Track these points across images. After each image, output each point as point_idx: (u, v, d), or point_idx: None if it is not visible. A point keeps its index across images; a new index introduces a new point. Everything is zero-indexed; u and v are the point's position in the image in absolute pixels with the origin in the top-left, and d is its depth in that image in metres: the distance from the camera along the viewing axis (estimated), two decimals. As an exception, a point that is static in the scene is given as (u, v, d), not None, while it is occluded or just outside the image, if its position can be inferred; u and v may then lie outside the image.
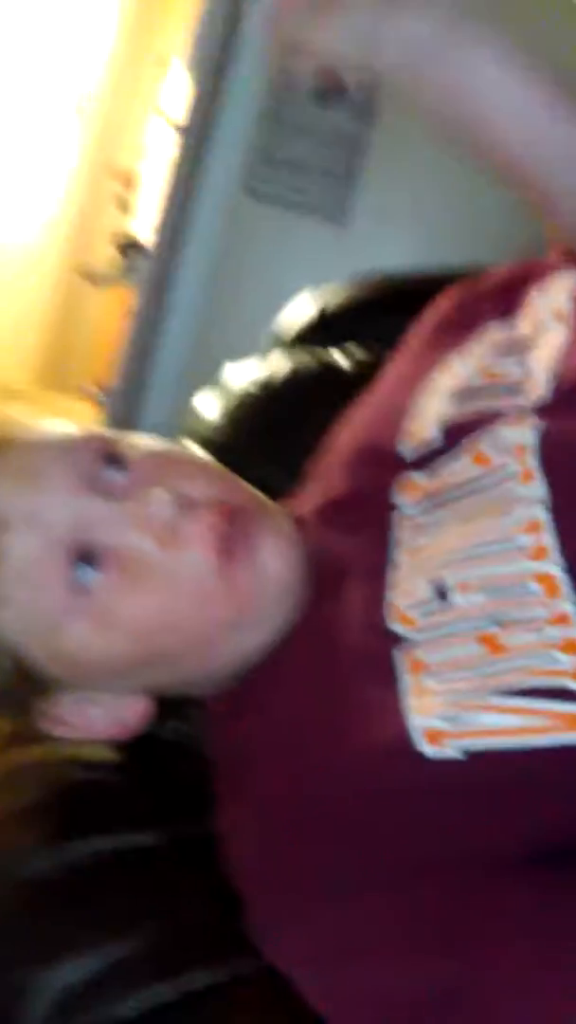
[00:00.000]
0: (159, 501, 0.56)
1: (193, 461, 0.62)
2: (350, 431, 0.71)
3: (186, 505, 0.56)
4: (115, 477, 0.58)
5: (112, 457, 0.58)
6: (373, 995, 0.48)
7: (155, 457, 0.60)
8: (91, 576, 0.56)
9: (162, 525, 0.56)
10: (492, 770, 0.48)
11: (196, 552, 0.56)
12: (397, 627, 0.55)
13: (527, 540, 0.54)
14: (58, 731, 0.63)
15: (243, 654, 0.61)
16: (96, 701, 0.62)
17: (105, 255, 3.68)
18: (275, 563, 0.58)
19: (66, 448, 0.58)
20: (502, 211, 2.13)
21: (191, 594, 0.57)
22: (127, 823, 0.63)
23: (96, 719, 0.62)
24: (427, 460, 0.62)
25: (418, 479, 0.62)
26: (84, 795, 0.64)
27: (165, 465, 0.59)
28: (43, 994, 0.55)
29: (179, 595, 0.56)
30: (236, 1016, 0.52)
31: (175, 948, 0.56)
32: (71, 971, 0.55)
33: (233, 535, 0.57)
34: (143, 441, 0.61)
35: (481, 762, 0.48)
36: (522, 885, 0.47)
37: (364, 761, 0.51)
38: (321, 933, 0.50)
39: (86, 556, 0.56)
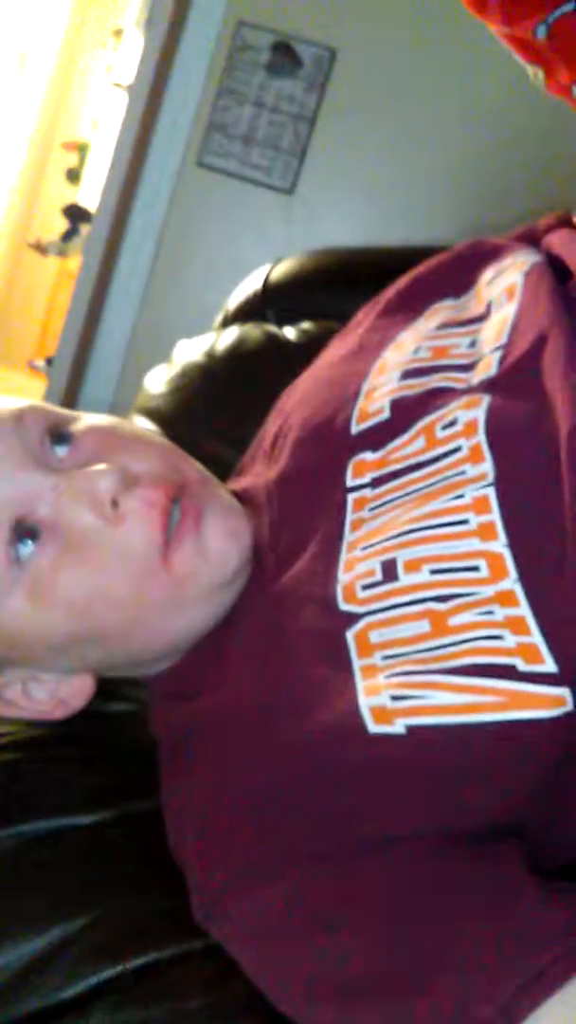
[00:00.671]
0: (101, 476, 0.55)
1: (138, 436, 0.61)
2: (302, 408, 0.70)
3: (129, 480, 0.55)
4: (60, 452, 0.57)
5: (57, 432, 0.58)
6: (307, 972, 0.48)
7: (100, 432, 0.59)
8: (30, 550, 0.55)
9: (104, 499, 0.55)
10: (434, 745, 0.48)
11: (137, 529, 0.55)
12: (347, 606, 0.55)
13: (476, 519, 0.54)
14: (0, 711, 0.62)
15: (186, 632, 0.60)
16: (38, 679, 0.61)
17: (53, 226, 3.61)
18: (219, 541, 0.57)
19: (10, 423, 0.57)
20: (447, 187, 2.13)
21: (131, 571, 0.56)
22: (71, 803, 0.63)
23: (37, 698, 0.62)
24: (378, 438, 0.62)
25: (368, 457, 0.61)
26: (22, 776, 0.64)
27: (110, 440, 0.58)
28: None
29: (119, 571, 0.56)
30: (179, 991, 0.52)
31: (119, 929, 0.55)
32: (12, 953, 0.55)
33: (177, 513, 0.56)
34: (90, 416, 0.61)
35: (424, 737, 0.48)
36: (459, 861, 0.47)
37: (314, 739, 0.51)
38: (258, 913, 0.50)
39: (27, 531, 0.55)
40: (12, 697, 0.62)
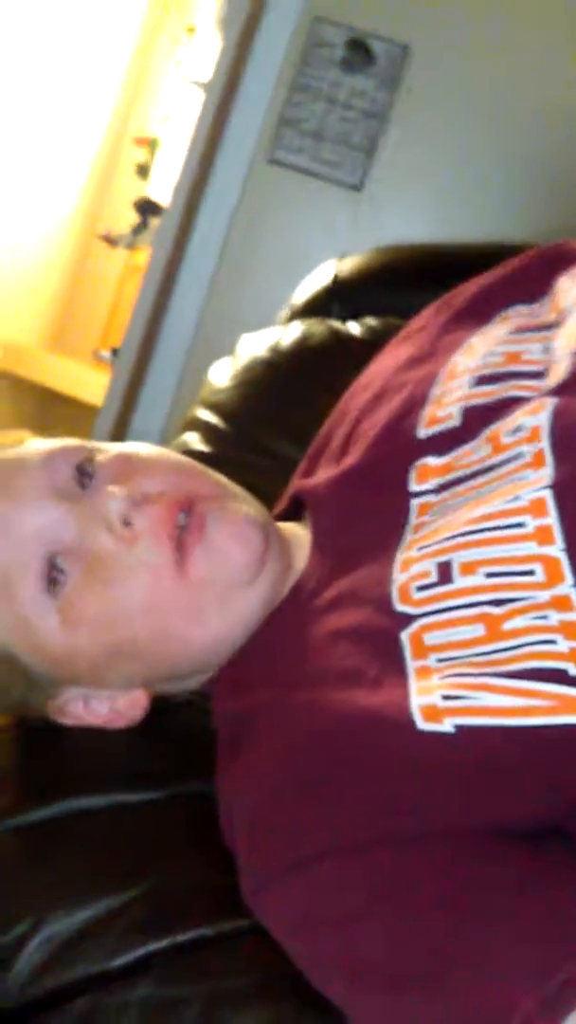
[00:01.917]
0: (112, 498, 0.58)
1: (155, 459, 0.63)
2: (371, 411, 0.70)
3: (140, 500, 0.58)
4: (83, 482, 0.61)
5: (83, 464, 0.61)
6: (349, 957, 0.49)
7: (120, 459, 0.62)
8: (59, 576, 0.59)
9: (116, 520, 0.58)
10: (484, 746, 0.49)
11: (149, 543, 0.58)
12: (403, 607, 0.55)
13: (533, 522, 0.54)
14: (63, 720, 0.65)
15: (216, 640, 0.62)
16: (95, 696, 0.64)
17: (122, 220, 3.65)
18: (236, 548, 0.59)
19: (39, 462, 0.61)
20: (518, 188, 2.11)
21: (148, 585, 0.58)
22: (125, 782, 0.64)
23: (98, 712, 0.65)
24: (445, 443, 0.62)
25: (433, 461, 0.62)
26: (80, 754, 0.65)
27: (127, 465, 0.61)
28: (35, 942, 0.56)
29: (137, 586, 0.58)
30: (225, 969, 0.53)
31: (167, 903, 0.57)
32: (64, 920, 0.56)
33: (187, 525, 0.58)
34: (117, 445, 0.64)
35: (472, 737, 0.49)
36: (507, 860, 0.47)
37: (364, 721, 0.52)
38: (305, 897, 0.51)
39: (54, 558, 0.59)
40: (75, 711, 0.65)
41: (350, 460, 0.68)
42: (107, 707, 0.65)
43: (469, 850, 0.48)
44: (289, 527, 0.70)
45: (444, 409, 0.63)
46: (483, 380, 0.63)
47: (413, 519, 0.60)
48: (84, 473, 0.61)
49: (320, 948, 0.50)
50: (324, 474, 0.70)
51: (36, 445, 0.64)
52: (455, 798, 0.49)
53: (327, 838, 0.51)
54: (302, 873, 0.51)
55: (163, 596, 0.58)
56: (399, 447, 0.64)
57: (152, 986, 0.53)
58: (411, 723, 0.50)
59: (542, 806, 0.49)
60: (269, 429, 0.96)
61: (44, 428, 3.74)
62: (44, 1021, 0.54)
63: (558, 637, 0.50)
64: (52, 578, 0.58)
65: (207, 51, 2.51)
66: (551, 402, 0.58)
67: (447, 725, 0.49)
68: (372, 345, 0.87)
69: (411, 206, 2.17)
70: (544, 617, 0.51)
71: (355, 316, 1.03)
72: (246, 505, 0.62)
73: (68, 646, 0.60)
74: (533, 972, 0.42)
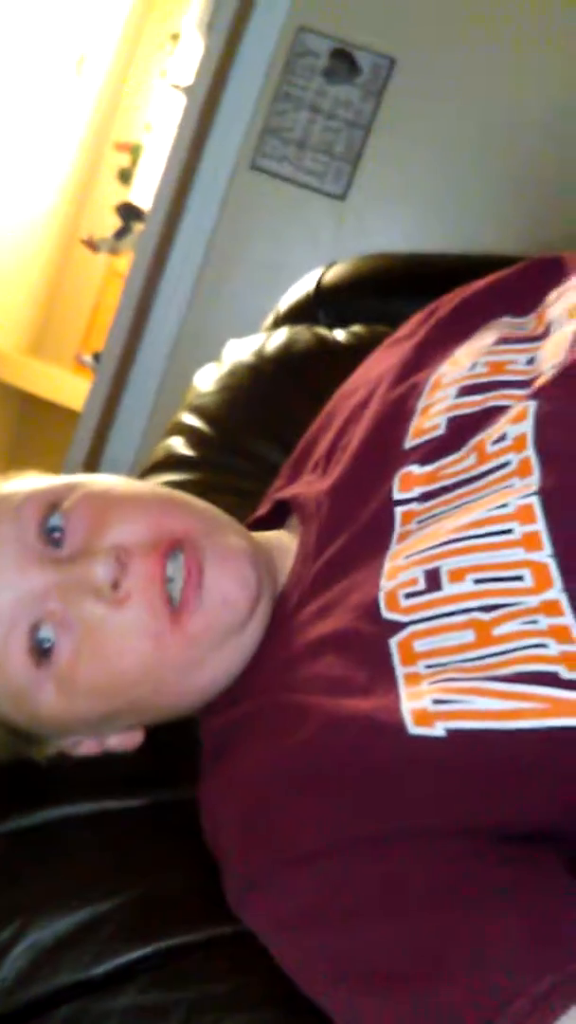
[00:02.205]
0: (97, 565, 0.56)
1: (127, 497, 0.61)
2: (358, 421, 0.70)
3: (124, 558, 0.56)
4: (53, 538, 0.59)
5: (50, 516, 0.59)
6: (337, 959, 0.48)
7: (90, 502, 0.59)
8: (47, 646, 0.57)
9: (104, 587, 0.56)
10: (474, 749, 0.49)
11: (141, 606, 0.57)
12: (391, 615, 0.55)
13: (520, 529, 0.54)
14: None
15: (214, 680, 0.61)
16: (90, 738, 0.64)
17: (104, 225, 3.65)
18: (236, 591, 0.58)
19: (9, 519, 0.59)
20: (500, 199, 2.13)
21: (143, 648, 0.57)
22: (108, 789, 0.64)
23: (89, 749, 0.65)
24: (429, 452, 0.62)
25: (417, 470, 0.62)
26: (65, 762, 0.65)
27: (99, 510, 0.59)
28: (18, 949, 0.55)
29: (132, 651, 0.57)
30: (207, 975, 0.53)
31: (150, 911, 0.56)
32: (45, 929, 0.56)
33: (184, 575, 0.57)
34: (83, 483, 0.61)
35: (463, 741, 0.49)
36: (497, 860, 0.47)
37: (353, 724, 0.52)
38: (294, 897, 0.51)
39: (38, 628, 0.57)
40: (85, 751, 0.65)
41: (337, 470, 0.67)
42: (101, 747, 0.65)
43: (461, 851, 0.48)
44: (272, 536, 0.70)
45: (430, 420, 0.63)
46: (468, 390, 0.63)
47: (398, 527, 0.60)
48: (52, 528, 0.59)
49: (307, 949, 0.50)
50: (310, 483, 0.70)
51: (1, 490, 0.62)
52: (447, 800, 0.49)
53: (317, 838, 0.51)
54: (291, 873, 0.51)
55: (160, 658, 0.58)
56: (384, 457, 0.64)
57: (135, 994, 0.53)
58: (402, 727, 0.50)
59: (535, 808, 0.49)
60: (253, 433, 0.96)
61: (24, 433, 3.73)
62: (25, 1030, 0.53)
63: (549, 641, 0.50)
64: (40, 650, 0.57)
65: (191, 57, 2.51)
66: (532, 407, 0.58)
67: (438, 729, 0.49)
68: (357, 352, 0.87)
69: (394, 216, 2.19)
70: (534, 622, 0.51)
71: (341, 323, 1.04)
72: (234, 536, 0.61)
73: (67, 712, 0.59)
74: (523, 974, 0.42)
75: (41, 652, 0.57)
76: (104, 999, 0.53)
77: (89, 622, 0.57)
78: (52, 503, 0.59)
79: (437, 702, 0.50)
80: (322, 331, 1.03)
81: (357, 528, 0.62)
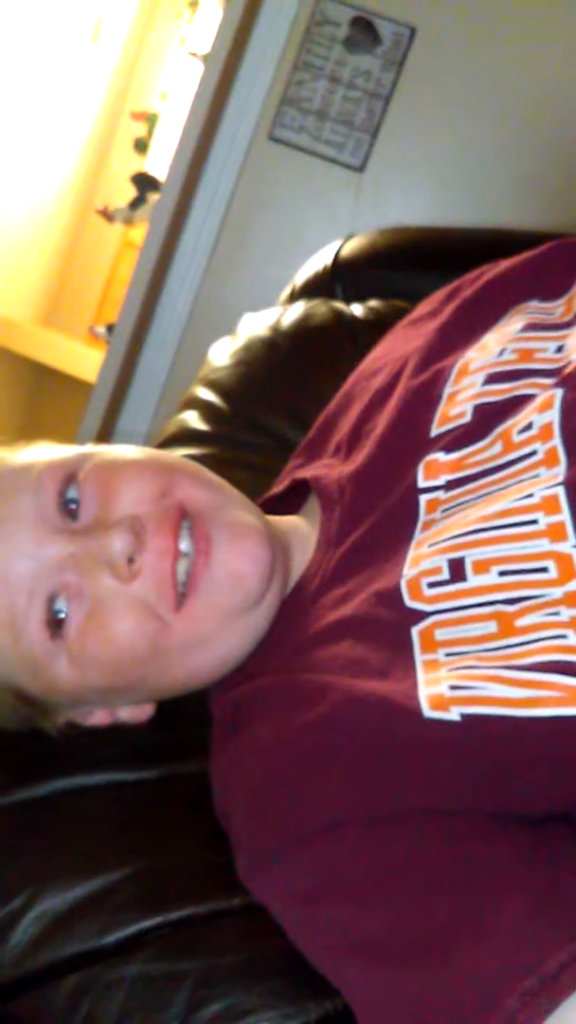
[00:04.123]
0: (115, 538, 0.56)
1: (142, 462, 0.61)
2: (383, 405, 0.69)
3: (139, 530, 0.57)
4: (70, 510, 0.59)
5: (67, 486, 0.59)
6: (348, 933, 0.49)
7: (100, 471, 0.60)
8: (61, 617, 0.58)
9: (121, 561, 0.56)
10: (488, 734, 0.49)
11: (147, 584, 0.57)
12: (414, 603, 0.55)
13: (545, 519, 0.54)
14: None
15: (225, 657, 0.61)
16: (101, 709, 0.65)
17: (119, 195, 3.62)
18: (240, 562, 0.58)
19: (30, 490, 0.59)
20: (520, 172, 2.10)
21: (148, 628, 0.57)
22: (118, 761, 0.64)
23: (99, 720, 0.65)
24: (455, 440, 0.62)
25: (443, 458, 0.61)
26: (80, 732, 0.65)
27: (109, 480, 0.59)
28: (29, 917, 0.56)
29: (136, 629, 0.57)
30: (215, 946, 0.53)
31: (160, 881, 0.57)
32: (56, 897, 0.56)
33: (192, 549, 0.57)
34: (94, 453, 0.61)
35: (479, 726, 0.49)
36: (509, 841, 0.48)
37: (369, 702, 0.52)
38: (303, 872, 0.51)
39: (54, 599, 0.58)
40: (96, 721, 0.66)
41: (361, 456, 0.67)
42: (111, 718, 0.65)
43: (471, 831, 0.48)
44: (290, 521, 0.69)
45: (456, 407, 0.63)
46: (495, 378, 0.63)
47: (422, 515, 0.60)
48: (69, 500, 0.59)
49: (319, 922, 0.50)
50: (331, 466, 0.70)
51: (13, 460, 0.62)
52: (461, 782, 0.49)
53: (328, 814, 0.51)
54: (302, 848, 0.51)
55: (165, 637, 0.58)
56: (410, 444, 0.64)
57: (144, 963, 0.53)
58: (418, 710, 0.50)
59: (548, 794, 0.49)
60: (267, 408, 0.96)
61: (37, 404, 3.73)
62: (37, 996, 0.54)
63: (569, 632, 0.50)
64: (55, 621, 0.58)
65: (209, 25, 2.48)
66: (559, 396, 0.57)
67: (454, 714, 0.49)
68: (375, 327, 0.87)
69: (413, 189, 2.17)
70: (556, 613, 0.51)
71: (358, 297, 1.03)
72: (246, 512, 0.61)
73: (79, 683, 0.60)
74: (533, 952, 0.43)
75: (56, 623, 0.58)
76: (114, 967, 0.53)
77: (99, 595, 0.57)
78: (69, 475, 0.59)
79: (454, 688, 0.50)
80: (339, 305, 1.02)
81: (381, 515, 0.62)
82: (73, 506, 0.59)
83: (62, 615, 0.58)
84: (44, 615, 0.58)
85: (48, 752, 0.65)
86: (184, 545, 0.58)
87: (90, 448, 0.63)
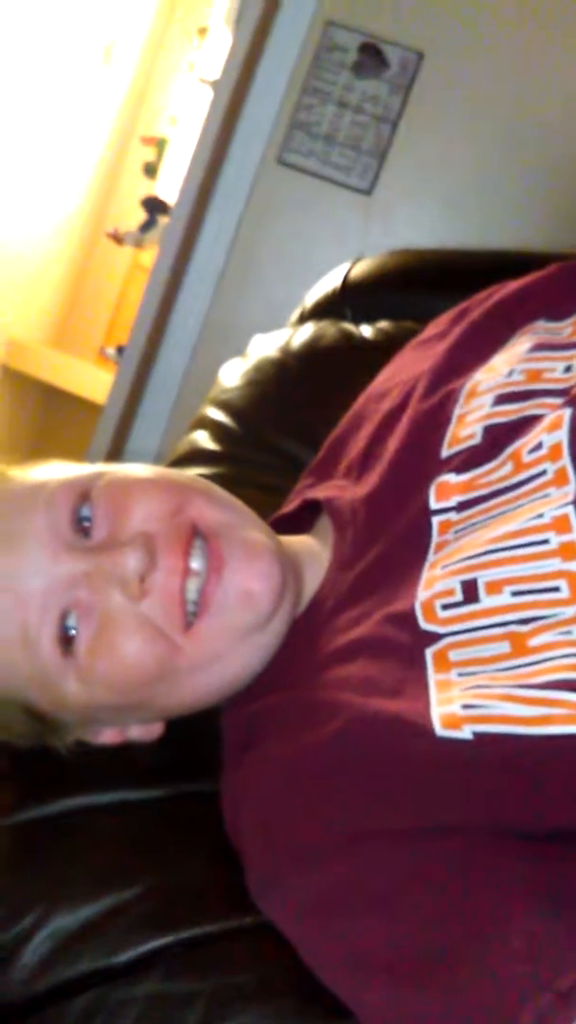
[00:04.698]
0: (128, 557, 0.57)
1: (148, 481, 0.61)
2: (393, 427, 0.70)
3: (151, 549, 0.57)
4: (84, 528, 0.59)
5: (80, 504, 0.60)
6: (360, 952, 0.49)
7: (112, 489, 0.60)
8: (72, 634, 0.58)
9: (133, 580, 0.57)
10: (500, 752, 0.49)
11: (157, 605, 0.57)
12: (428, 626, 0.55)
13: (557, 539, 0.54)
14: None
15: (235, 677, 0.61)
16: (112, 728, 0.65)
17: (129, 219, 3.66)
18: (251, 582, 0.58)
19: (43, 508, 0.59)
20: (528, 195, 2.11)
21: (156, 650, 0.58)
22: (129, 779, 0.64)
23: (108, 739, 0.65)
24: (466, 461, 0.62)
25: (453, 479, 0.62)
26: (90, 750, 0.66)
27: (122, 496, 0.59)
28: (40, 936, 0.56)
29: (144, 650, 0.58)
30: (228, 965, 0.53)
31: (171, 900, 0.57)
32: (67, 916, 0.56)
33: (201, 563, 0.57)
34: (105, 473, 0.62)
35: (491, 745, 0.49)
36: (521, 858, 0.47)
37: (380, 720, 0.52)
38: (315, 890, 0.51)
39: (66, 616, 0.58)
40: (105, 740, 0.66)
41: (373, 478, 0.67)
42: (121, 736, 0.65)
43: (485, 848, 0.48)
44: (301, 541, 0.70)
45: (466, 429, 0.63)
46: (505, 399, 0.63)
47: (435, 537, 0.60)
48: (83, 518, 0.59)
49: (329, 941, 0.50)
50: (343, 487, 0.70)
51: (27, 478, 0.62)
52: (473, 800, 0.49)
53: (340, 832, 0.51)
54: (315, 866, 0.51)
55: (174, 658, 0.58)
56: (421, 466, 0.64)
57: (156, 982, 0.53)
58: (430, 729, 0.50)
59: (560, 812, 0.49)
60: (278, 429, 0.96)
61: (47, 426, 3.74)
62: (48, 1016, 0.54)
63: None
64: (66, 638, 0.58)
65: (218, 51, 2.51)
66: (567, 416, 0.58)
67: (466, 732, 0.49)
68: (384, 348, 0.87)
69: (421, 212, 2.18)
70: (568, 632, 0.51)
71: (367, 319, 1.03)
72: (258, 531, 0.61)
73: (88, 701, 0.60)
74: (548, 967, 0.43)
75: (67, 641, 0.58)
76: (125, 987, 0.53)
77: (109, 612, 0.57)
78: (82, 493, 0.60)
79: (467, 707, 0.50)
80: (349, 327, 1.02)
81: (394, 537, 0.62)
82: (86, 524, 0.59)
83: (73, 632, 0.58)
84: (56, 632, 0.58)
85: (58, 771, 0.65)
86: (196, 564, 0.58)
87: (103, 467, 0.63)
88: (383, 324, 1.01)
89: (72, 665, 0.58)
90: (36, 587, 0.58)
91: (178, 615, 0.57)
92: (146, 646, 0.57)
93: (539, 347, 0.66)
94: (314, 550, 0.68)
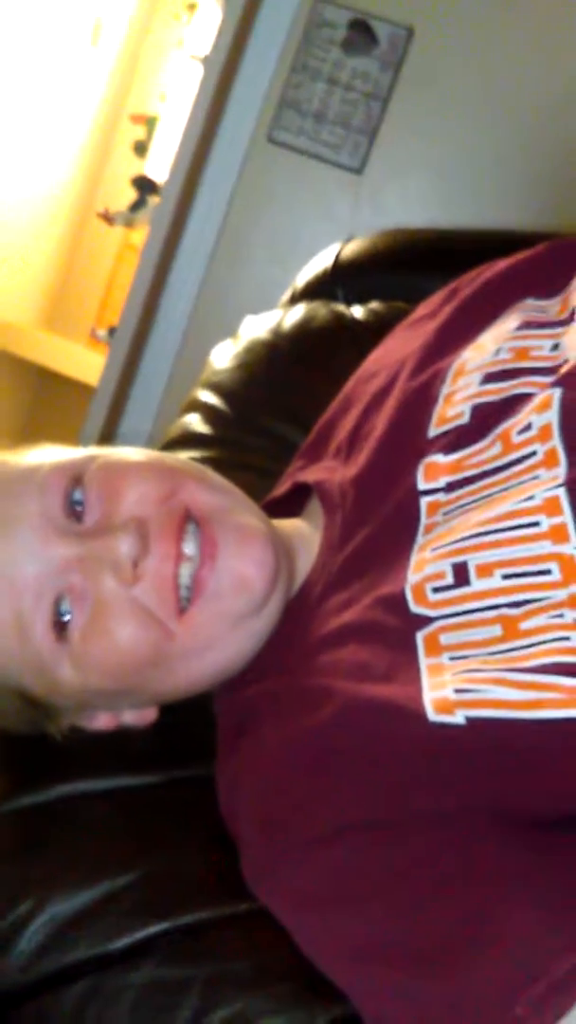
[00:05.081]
0: (121, 542, 0.56)
1: (141, 465, 0.61)
2: (381, 407, 0.69)
3: (143, 533, 0.57)
4: (76, 512, 0.59)
5: (72, 489, 0.59)
6: (355, 939, 0.49)
7: (104, 473, 0.60)
8: (66, 619, 0.58)
9: (126, 564, 0.57)
10: (493, 737, 0.49)
11: (151, 590, 0.57)
12: (419, 609, 0.55)
13: (547, 521, 0.54)
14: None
15: (229, 662, 0.61)
16: (104, 713, 0.65)
17: (119, 198, 3.63)
18: (245, 567, 0.58)
19: (35, 494, 0.59)
20: (519, 173, 2.10)
21: (150, 635, 0.57)
22: (123, 765, 0.64)
23: (102, 724, 0.65)
24: (453, 441, 0.61)
25: (442, 459, 0.61)
26: (84, 737, 0.65)
27: (115, 480, 0.59)
28: (36, 924, 0.56)
29: (137, 635, 0.57)
30: (224, 952, 0.53)
31: (167, 886, 0.57)
32: (63, 903, 0.56)
33: (194, 547, 0.57)
34: (97, 456, 0.61)
35: (484, 729, 0.49)
36: (516, 845, 0.48)
37: (372, 706, 0.52)
38: (311, 877, 0.51)
39: (60, 601, 0.58)
40: (100, 725, 0.65)
41: (361, 459, 0.67)
42: (115, 721, 0.65)
43: (479, 835, 0.48)
44: (293, 523, 0.69)
45: (454, 408, 0.63)
46: (492, 377, 0.62)
47: (424, 518, 0.60)
48: (76, 502, 0.59)
49: (325, 928, 0.50)
50: (332, 468, 0.70)
51: (19, 462, 0.62)
52: (466, 786, 0.49)
53: (334, 819, 0.51)
54: (309, 853, 0.51)
55: (167, 643, 0.58)
56: (408, 446, 0.64)
57: (152, 968, 0.53)
58: (423, 714, 0.50)
59: (554, 797, 0.49)
60: (270, 411, 0.96)
61: (39, 408, 3.73)
62: (43, 1003, 0.54)
63: (572, 634, 0.50)
64: (60, 623, 0.58)
65: (208, 27, 2.48)
66: (557, 396, 0.57)
67: (458, 717, 0.49)
68: (376, 329, 0.87)
69: (411, 190, 2.16)
70: (560, 616, 0.51)
71: (359, 300, 1.03)
72: (251, 515, 0.61)
73: (82, 686, 0.60)
74: (542, 956, 0.43)
75: (61, 626, 0.58)
76: (121, 974, 0.53)
77: (101, 596, 0.57)
78: (74, 477, 0.59)
79: (459, 691, 0.50)
80: (340, 308, 1.02)
81: (382, 519, 0.62)
82: (79, 508, 0.59)
83: (67, 617, 0.58)
84: (50, 617, 0.58)
85: (52, 757, 0.65)
86: (189, 548, 0.58)
87: (95, 450, 0.63)
88: (374, 305, 1.01)
89: (66, 650, 0.58)
90: (29, 572, 0.57)
91: (171, 600, 0.57)
92: (139, 631, 0.57)
93: (527, 325, 0.65)
94: (305, 533, 0.68)
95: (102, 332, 3.41)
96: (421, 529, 0.59)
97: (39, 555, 0.58)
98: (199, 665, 0.60)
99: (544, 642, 0.50)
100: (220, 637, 0.59)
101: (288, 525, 0.69)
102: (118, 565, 0.56)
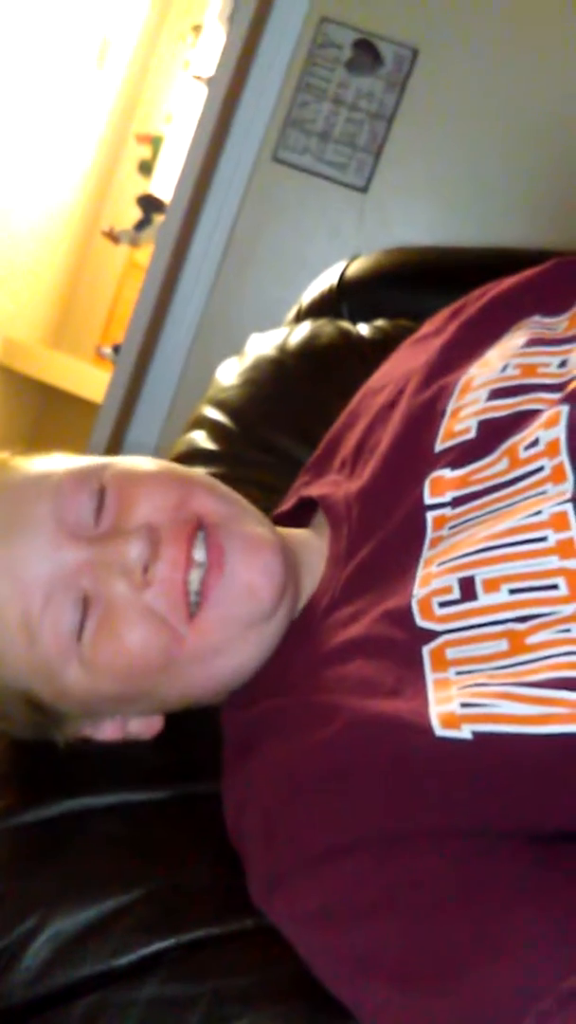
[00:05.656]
0: (131, 546, 0.57)
1: (154, 475, 0.62)
2: (387, 423, 0.70)
3: (155, 539, 0.57)
4: (91, 513, 0.60)
5: (95, 495, 0.60)
6: (361, 955, 0.49)
7: (119, 480, 0.60)
8: (77, 622, 0.58)
9: (136, 569, 0.57)
10: (500, 752, 0.49)
11: (161, 594, 0.58)
12: (425, 623, 0.55)
13: (555, 536, 0.54)
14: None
15: (237, 670, 0.62)
16: (111, 722, 0.65)
17: (124, 217, 3.65)
18: (253, 575, 0.58)
19: (50, 499, 0.60)
20: (523, 193, 2.11)
21: (159, 640, 0.58)
22: (129, 781, 0.64)
23: (108, 734, 0.65)
24: (460, 456, 0.62)
25: (448, 474, 0.61)
26: (93, 752, 0.65)
27: (128, 487, 0.60)
28: (41, 939, 0.56)
29: (146, 640, 0.58)
30: (229, 968, 0.53)
31: (172, 903, 0.57)
32: (68, 919, 0.56)
33: (206, 560, 0.58)
34: (112, 464, 0.62)
35: (490, 744, 0.49)
36: (523, 859, 0.47)
37: (379, 721, 0.52)
38: (317, 893, 0.51)
39: (73, 604, 0.58)
40: (106, 735, 0.66)
41: (366, 473, 0.67)
42: (121, 731, 0.65)
43: (483, 850, 0.48)
44: (300, 536, 0.69)
45: (461, 423, 0.63)
46: (499, 393, 0.63)
47: (430, 533, 0.60)
48: (88, 507, 0.59)
49: (332, 944, 0.50)
50: (338, 483, 0.70)
51: (30, 468, 0.62)
52: (473, 800, 0.49)
53: (341, 834, 0.51)
54: (315, 869, 0.51)
55: (176, 647, 0.58)
56: (414, 460, 0.64)
57: (157, 985, 0.53)
58: (429, 729, 0.50)
59: (561, 812, 0.49)
60: (275, 427, 0.96)
61: (44, 425, 3.74)
62: (49, 1019, 0.53)
63: None
64: (69, 626, 0.58)
65: (213, 48, 2.50)
66: (564, 412, 0.58)
67: (465, 732, 0.49)
68: (381, 346, 0.87)
69: (416, 209, 2.18)
70: (567, 631, 0.51)
71: (364, 317, 1.03)
72: (260, 525, 0.61)
73: (90, 690, 0.60)
74: (550, 971, 0.42)
75: (70, 628, 0.58)
76: (127, 990, 0.53)
77: (113, 600, 0.58)
78: (87, 482, 0.60)
79: (465, 706, 0.50)
80: (345, 325, 1.02)
81: (388, 533, 0.62)
82: (92, 514, 0.59)
83: (81, 619, 0.58)
84: (60, 618, 0.58)
85: (59, 773, 0.65)
86: (199, 555, 0.58)
87: (107, 459, 0.64)
88: (380, 322, 1.01)
89: (75, 653, 0.58)
90: (40, 575, 0.58)
91: (181, 605, 0.58)
92: (150, 635, 0.57)
93: (534, 342, 0.65)
94: (312, 547, 0.68)
95: (107, 350, 3.42)
96: (427, 543, 0.59)
97: (49, 557, 0.58)
98: (208, 670, 0.60)
99: (551, 656, 0.50)
100: (229, 643, 0.59)
101: (296, 537, 0.69)
102: (129, 569, 0.57)
